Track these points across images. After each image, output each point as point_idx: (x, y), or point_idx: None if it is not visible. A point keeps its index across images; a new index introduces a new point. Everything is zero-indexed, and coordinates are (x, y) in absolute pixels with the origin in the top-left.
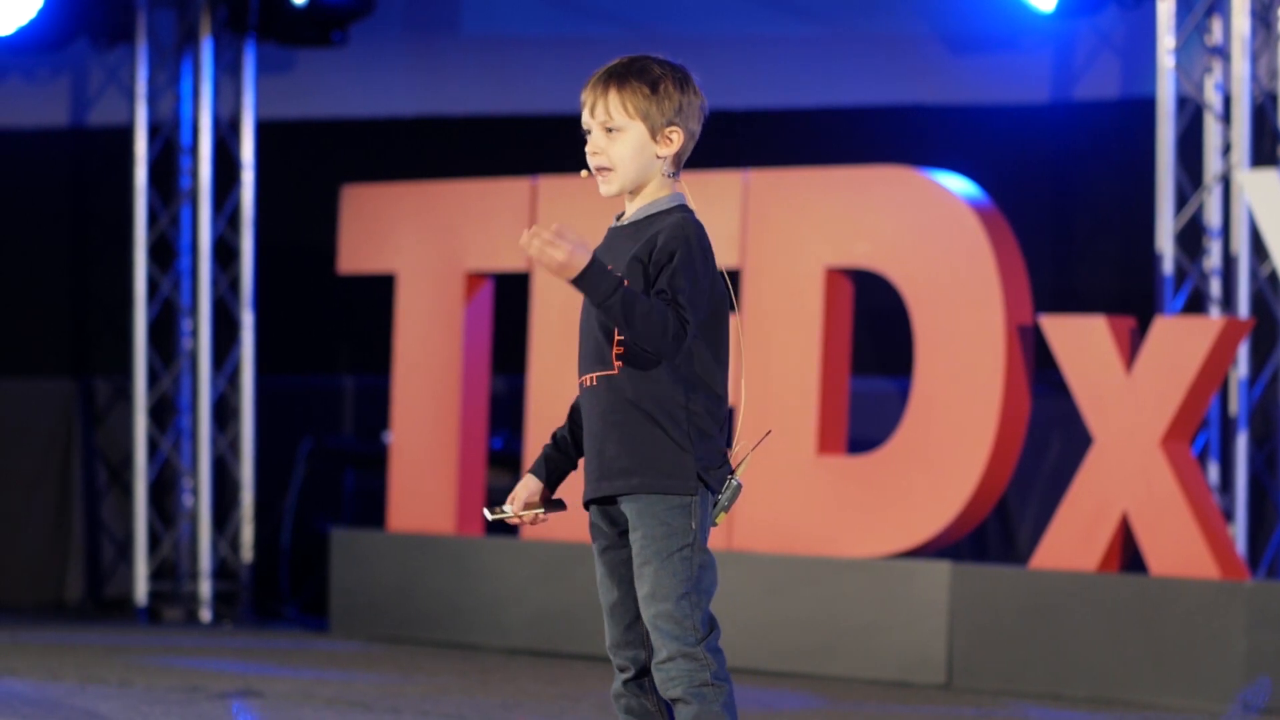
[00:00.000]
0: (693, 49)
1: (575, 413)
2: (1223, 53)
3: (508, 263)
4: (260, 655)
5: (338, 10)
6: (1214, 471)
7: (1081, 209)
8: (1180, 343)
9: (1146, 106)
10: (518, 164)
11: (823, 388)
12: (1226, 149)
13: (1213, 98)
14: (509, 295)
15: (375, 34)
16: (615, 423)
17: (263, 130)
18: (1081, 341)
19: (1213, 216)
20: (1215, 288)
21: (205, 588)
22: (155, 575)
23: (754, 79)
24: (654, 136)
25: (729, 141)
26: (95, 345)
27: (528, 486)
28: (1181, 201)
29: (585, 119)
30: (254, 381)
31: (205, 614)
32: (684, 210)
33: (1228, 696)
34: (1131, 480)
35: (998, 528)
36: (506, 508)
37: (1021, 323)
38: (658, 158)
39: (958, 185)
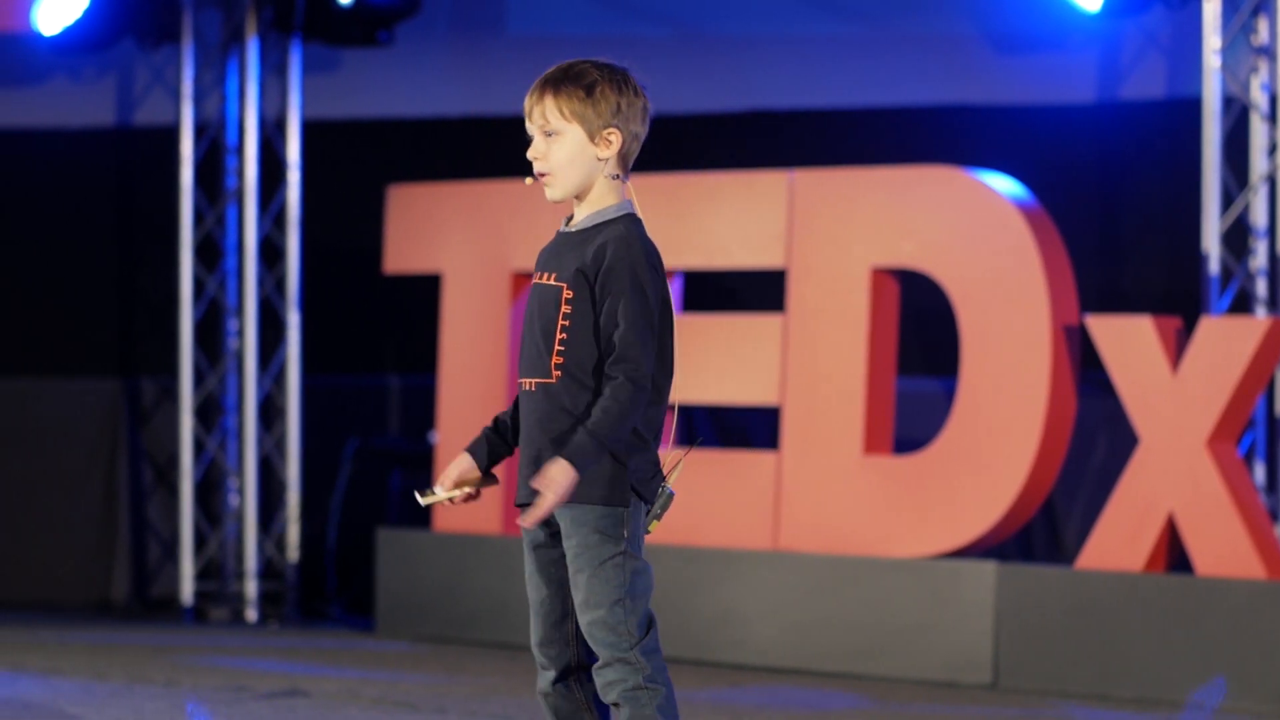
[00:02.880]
0: (738, 49)
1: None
2: (1269, 52)
3: None
4: (306, 655)
5: (383, 10)
6: (1260, 471)
7: (1127, 209)
8: (1226, 343)
9: (1192, 106)
10: None
11: (869, 388)
12: (1272, 149)
13: (1259, 97)
14: None
15: (421, 34)
16: (553, 430)
17: (308, 130)
18: (1127, 341)
19: (1258, 216)
20: (1261, 288)
21: (251, 587)
22: (201, 575)
23: (799, 79)
24: (592, 139)
25: (775, 141)
26: (141, 345)
27: (460, 465)
28: (1227, 201)
29: (528, 125)
30: (300, 381)
31: (251, 614)
32: (630, 220)
33: (1275, 696)
34: (1178, 480)
35: (1044, 528)
36: (438, 489)
37: (1067, 323)
38: (598, 160)
39: (1003, 185)
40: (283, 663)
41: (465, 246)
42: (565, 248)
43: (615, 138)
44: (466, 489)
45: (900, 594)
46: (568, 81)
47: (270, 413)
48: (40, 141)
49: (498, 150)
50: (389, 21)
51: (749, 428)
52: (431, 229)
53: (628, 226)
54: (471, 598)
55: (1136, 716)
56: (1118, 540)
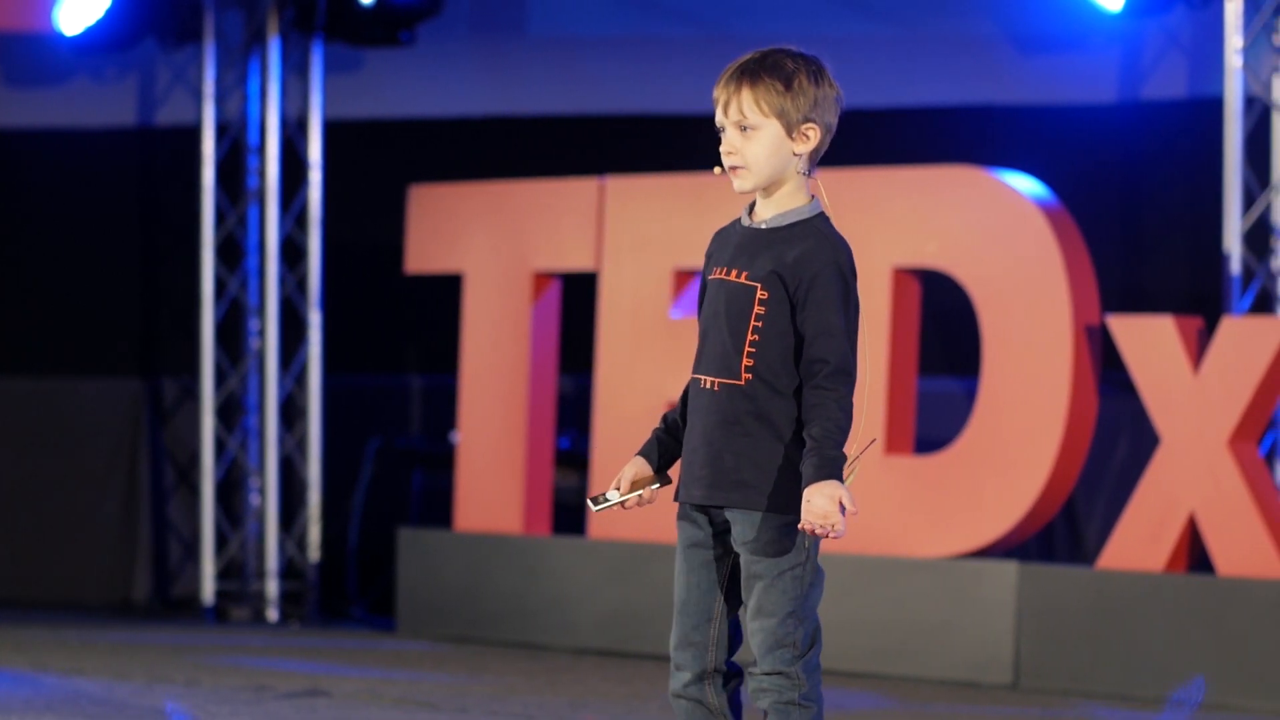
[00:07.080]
0: (762, 48)
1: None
2: None
3: (575, 262)
4: (327, 655)
5: (405, 10)
6: None
7: (1149, 209)
8: (1247, 342)
9: (1214, 106)
10: (585, 164)
11: (890, 388)
12: None
13: None
14: (576, 295)
15: (443, 34)
16: (737, 434)
17: (330, 130)
18: (1149, 341)
19: None
20: None
21: (272, 587)
22: (222, 575)
23: None
24: (790, 133)
25: None
26: (163, 345)
27: (635, 467)
28: (1249, 201)
29: (719, 117)
30: (321, 381)
31: (272, 614)
32: (825, 221)
33: None
34: (1199, 480)
35: (1065, 528)
36: (612, 494)
37: (1089, 323)
38: (794, 155)
39: (1025, 185)
40: (304, 662)
41: (486, 246)
42: (756, 245)
43: (813, 132)
44: (640, 492)
45: (921, 594)
46: (765, 73)
47: (291, 412)
48: (62, 142)
49: (519, 150)
50: (410, 21)
51: None
52: (453, 229)
53: (826, 228)
54: (493, 597)
55: (1158, 716)
56: (1139, 540)
